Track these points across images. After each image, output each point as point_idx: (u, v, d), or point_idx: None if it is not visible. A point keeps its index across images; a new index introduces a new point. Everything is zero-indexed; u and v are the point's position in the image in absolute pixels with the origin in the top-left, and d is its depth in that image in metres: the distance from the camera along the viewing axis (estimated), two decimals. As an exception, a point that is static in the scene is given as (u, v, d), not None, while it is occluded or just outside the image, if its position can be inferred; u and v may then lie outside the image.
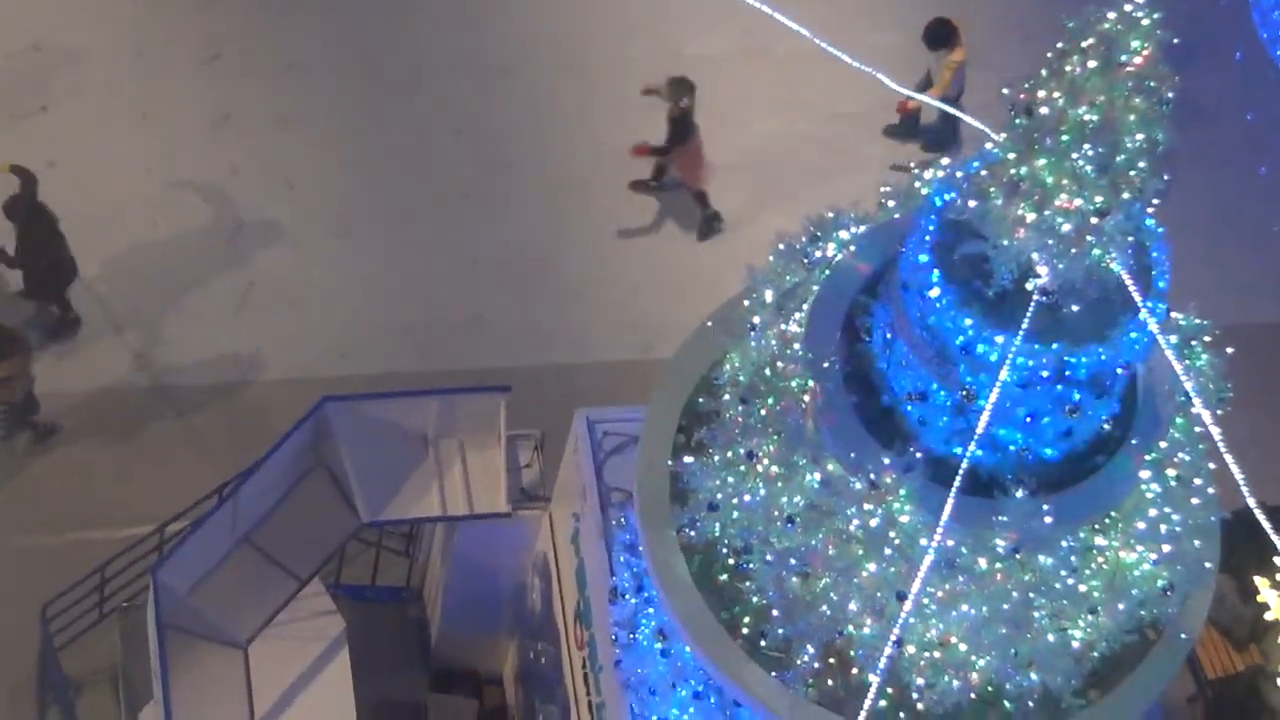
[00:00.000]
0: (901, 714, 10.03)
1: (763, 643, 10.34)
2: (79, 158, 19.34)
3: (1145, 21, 8.19)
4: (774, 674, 10.28)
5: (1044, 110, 8.34)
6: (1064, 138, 8.29)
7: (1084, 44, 8.22)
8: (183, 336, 18.57)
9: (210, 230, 19.33)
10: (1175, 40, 8.24)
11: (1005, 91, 8.49)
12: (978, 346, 8.83)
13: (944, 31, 19.33)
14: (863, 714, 9.09)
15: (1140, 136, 8.25)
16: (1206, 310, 9.91)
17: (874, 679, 9.30)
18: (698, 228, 19.80)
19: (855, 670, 10.07)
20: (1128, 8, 8.21)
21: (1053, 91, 8.31)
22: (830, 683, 10.19)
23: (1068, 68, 8.26)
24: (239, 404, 18.05)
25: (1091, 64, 8.21)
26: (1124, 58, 8.20)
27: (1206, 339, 9.80)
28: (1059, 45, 8.31)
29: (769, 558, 10.13)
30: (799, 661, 10.16)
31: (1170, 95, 8.25)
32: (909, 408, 9.44)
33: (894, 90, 10.09)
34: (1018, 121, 8.46)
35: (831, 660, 10.16)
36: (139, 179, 19.48)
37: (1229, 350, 9.81)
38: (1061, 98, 8.29)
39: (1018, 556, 9.39)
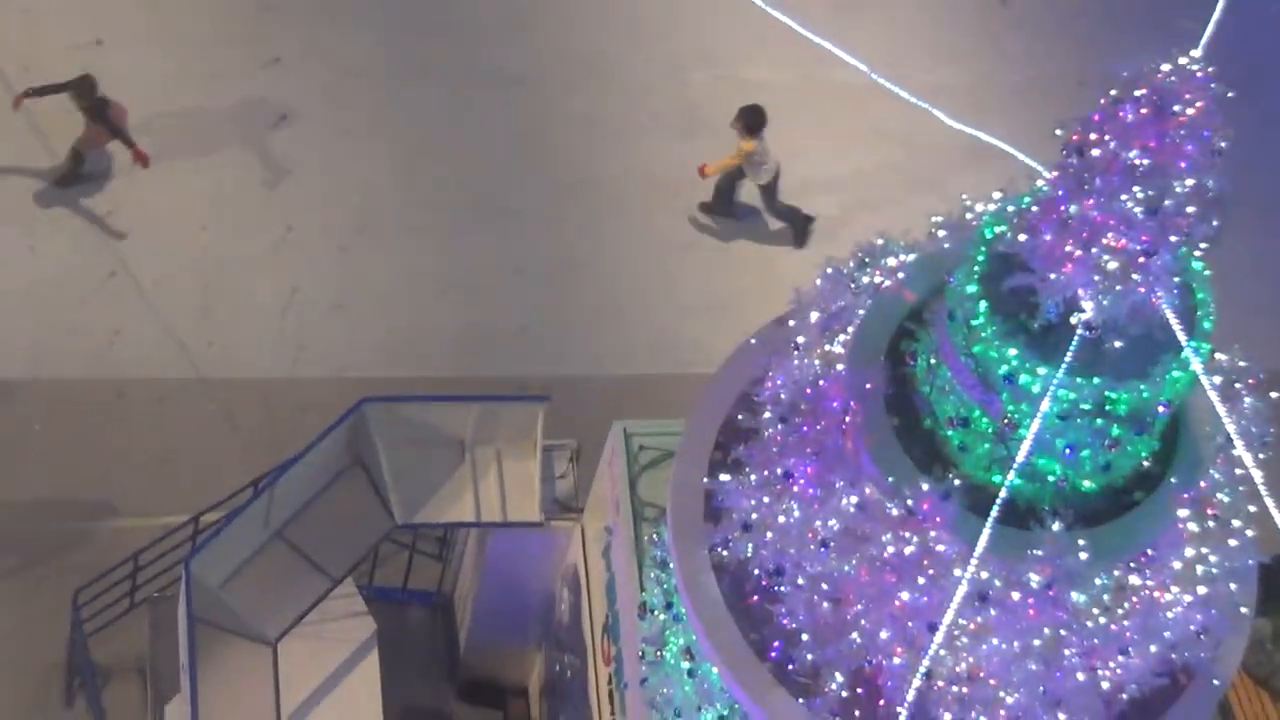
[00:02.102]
0: (926, 749, 9.96)
1: (791, 667, 10.27)
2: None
3: (1199, 74, 8.16)
4: (801, 700, 10.20)
5: (1095, 152, 8.31)
6: (1114, 179, 8.27)
7: (1137, 93, 8.20)
8: (228, 331, 18.64)
9: (260, 229, 19.38)
10: (1230, 94, 8.22)
11: (1058, 132, 8.50)
12: (1020, 377, 8.80)
13: (755, 120, 19.09)
14: (889, 745, 9.04)
15: (1190, 182, 8.22)
16: (1253, 355, 9.83)
17: (902, 711, 9.24)
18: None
19: (882, 701, 9.99)
20: (1183, 60, 8.19)
21: (1104, 135, 8.29)
22: (857, 713, 10.11)
23: (1120, 114, 8.24)
24: (279, 400, 18.10)
25: (1144, 111, 8.19)
26: (1177, 108, 8.17)
27: (1250, 381, 9.72)
28: (1112, 93, 8.29)
29: (801, 581, 10.07)
30: (827, 689, 10.08)
31: (1223, 145, 8.21)
32: (950, 432, 9.39)
33: (948, 124, 10.07)
34: (1069, 162, 8.44)
35: (859, 689, 10.08)
36: (189, 176, 19.53)
37: (1274, 395, 9.73)
38: (1113, 141, 8.26)
39: (1050, 592, 9.31)
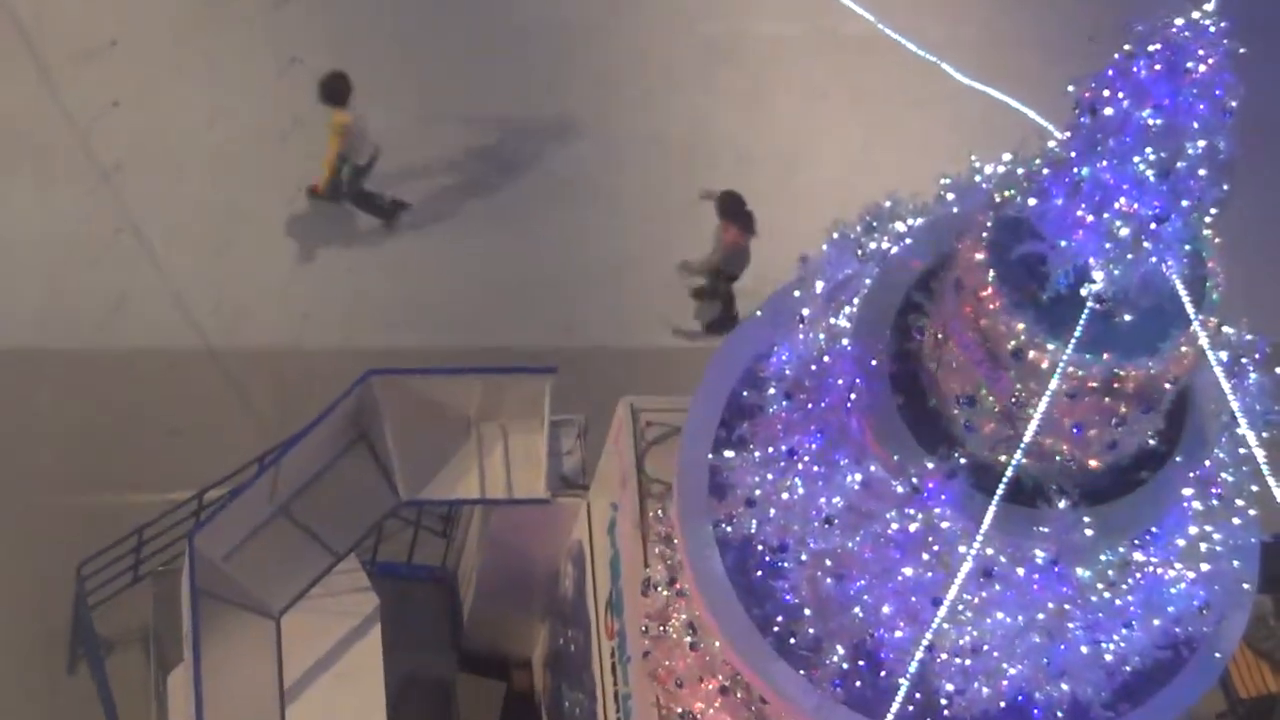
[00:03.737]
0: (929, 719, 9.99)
1: (793, 640, 10.30)
2: (143, 101, 19.33)
3: (1213, 29, 8.14)
4: (802, 672, 10.23)
5: (1108, 111, 8.29)
6: (1126, 140, 8.25)
7: (1151, 48, 8.18)
8: (235, 300, 18.54)
9: (272, 190, 19.21)
10: (1242, 50, 8.20)
11: (1071, 89, 8.48)
12: (1029, 352, 8.77)
13: (336, 87, 17.99)
14: (890, 716, 9.05)
15: (1202, 143, 8.20)
16: (1260, 328, 9.83)
17: (903, 682, 9.27)
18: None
19: (884, 673, 10.03)
20: (1196, 15, 8.17)
21: (1118, 92, 8.27)
22: (859, 684, 10.16)
23: (1134, 69, 8.22)
24: (286, 371, 18.03)
25: (1157, 68, 8.17)
26: (1190, 64, 8.15)
27: (1256, 356, 9.72)
28: (1125, 47, 8.27)
29: (804, 557, 10.11)
30: (828, 661, 10.12)
31: (1234, 104, 8.20)
32: (956, 411, 9.39)
33: (958, 79, 10.03)
34: (1082, 120, 8.42)
35: (861, 662, 10.12)
36: (200, 128, 19.38)
37: (1279, 370, 9.73)
38: (1126, 100, 8.25)
39: (1056, 568, 9.33)
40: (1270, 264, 19.02)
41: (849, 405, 9.75)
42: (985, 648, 9.60)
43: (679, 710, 11.33)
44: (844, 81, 20.43)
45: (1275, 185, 19.50)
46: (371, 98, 19.24)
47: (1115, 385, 8.84)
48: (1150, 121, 8.23)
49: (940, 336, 9.41)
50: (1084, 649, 9.63)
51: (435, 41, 20.45)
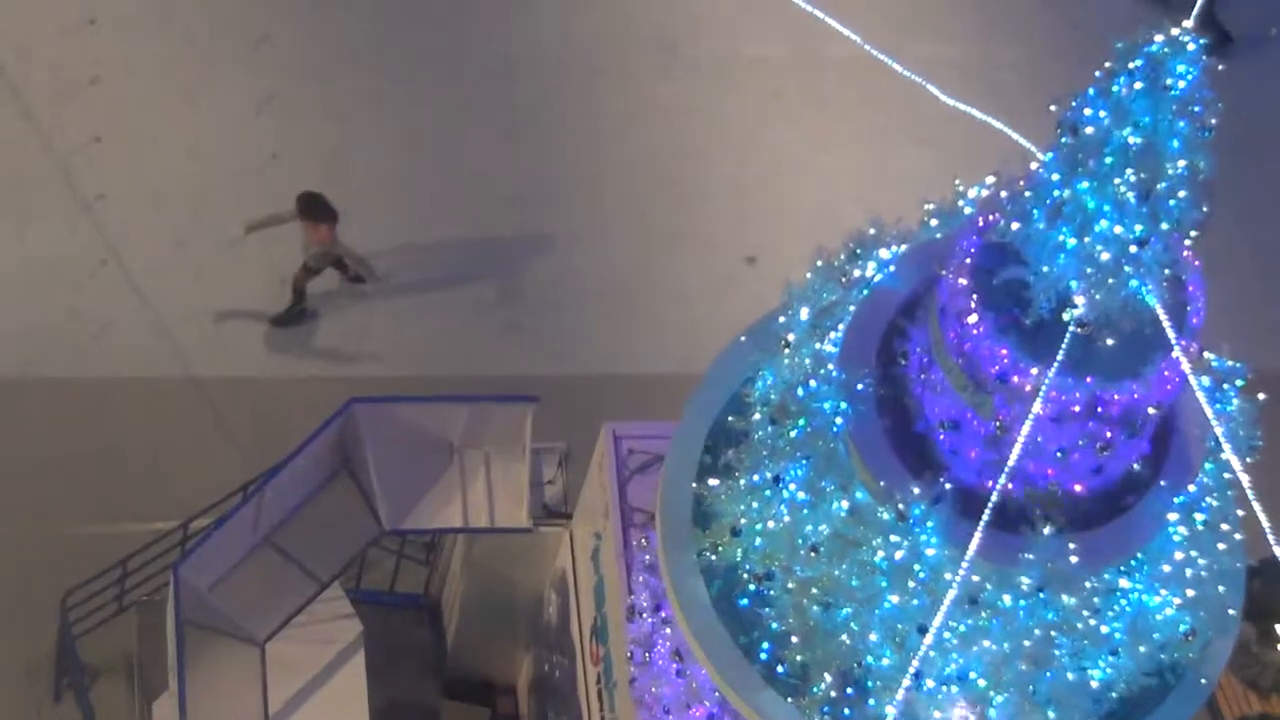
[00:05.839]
0: (916, 748, 9.97)
1: (780, 668, 10.28)
2: (124, 135, 19.48)
3: (1191, 47, 8.19)
4: (790, 700, 10.22)
5: (1089, 130, 8.34)
6: (1107, 160, 8.29)
7: (1131, 65, 8.22)
8: (218, 329, 18.60)
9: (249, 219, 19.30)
10: (1221, 67, 8.25)
11: (1053, 108, 8.51)
12: (1013, 376, 8.80)
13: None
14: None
15: (1182, 164, 8.25)
16: (1240, 353, 9.85)
17: (890, 711, 9.26)
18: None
19: (871, 701, 10.00)
20: (1175, 32, 8.21)
21: (1099, 110, 8.31)
22: (846, 712, 10.12)
23: (1114, 88, 8.26)
24: (269, 400, 18.07)
25: (1138, 85, 8.22)
26: (1169, 81, 8.20)
27: (1239, 382, 9.74)
28: (1106, 65, 8.31)
29: (790, 585, 10.08)
30: (815, 689, 10.10)
31: (1214, 122, 8.24)
32: (941, 435, 9.40)
33: (943, 100, 10.07)
34: (1063, 140, 8.46)
35: (848, 690, 10.10)
36: (181, 161, 19.49)
37: (1261, 396, 9.75)
38: (1107, 117, 8.29)
39: (1041, 595, 9.33)
40: (1252, 292, 19.09)
41: (835, 430, 9.75)
42: (971, 675, 9.60)
43: (665, 737, 11.31)
44: (829, 104, 20.51)
45: (1256, 211, 19.63)
46: (353, 136, 19.36)
47: (1099, 409, 8.86)
48: (1131, 139, 8.28)
49: (925, 361, 9.43)
50: (1070, 676, 9.60)
51: (415, 76, 20.53)
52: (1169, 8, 17.22)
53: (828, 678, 10.00)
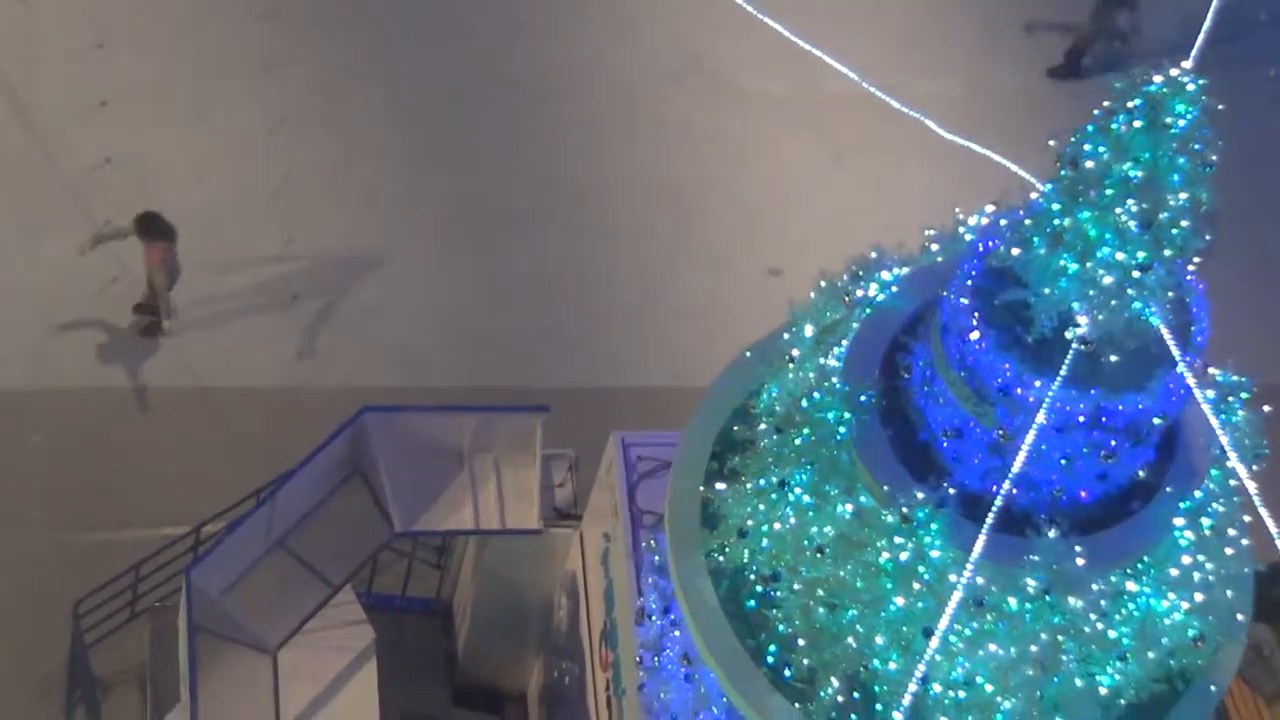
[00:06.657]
0: (923, 753, 10.00)
1: (787, 672, 10.32)
2: (134, 157, 19.55)
3: (1190, 87, 8.24)
4: (796, 705, 10.25)
5: (1089, 164, 8.38)
6: (1108, 192, 8.34)
7: (1130, 104, 8.27)
8: (228, 340, 18.67)
9: (259, 238, 19.43)
10: (1220, 106, 8.29)
11: (1052, 143, 8.56)
12: (1016, 389, 8.85)
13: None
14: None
15: (1184, 196, 8.29)
16: (1245, 368, 9.91)
17: (897, 717, 9.29)
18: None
19: (879, 706, 10.04)
20: (1174, 72, 8.26)
21: (1098, 146, 8.36)
22: (853, 717, 10.16)
23: (1114, 125, 8.31)
24: (280, 409, 18.13)
25: (1137, 124, 8.27)
26: (1169, 120, 8.25)
27: (1244, 395, 9.79)
28: (1105, 103, 8.36)
29: (797, 587, 10.12)
30: (822, 694, 10.13)
31: (1214, 158, 8.29)
32: (944, 443, 9.45)
33: (939, 135, 10.14)
34: (1063, 173, 8.51)
35: (856, 694, 10.13)
36: (190, 182, 19.59)
37: (1266, 408, 9.79)
38: (1107, 153, 8.34)
39: (1048, 598, 9.36)
40: (1257, 310, 19.15)
41: (838, 438, 9.80)
42: (978, 680, 9.63)
43: (674, 743, 11.34)
44: (829, 137, 20.65)
45: (1260, 235, 19.72)
46: (361, 153, 19.43)
47: (1103, 420, 8.90)
48: (1131, 174, 8.32)
49: (928, 374, 9.49)
50: (1078, 681, 9.62)
51: (422, 95, 20.63)
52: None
53: (834, 682, 10.02)
